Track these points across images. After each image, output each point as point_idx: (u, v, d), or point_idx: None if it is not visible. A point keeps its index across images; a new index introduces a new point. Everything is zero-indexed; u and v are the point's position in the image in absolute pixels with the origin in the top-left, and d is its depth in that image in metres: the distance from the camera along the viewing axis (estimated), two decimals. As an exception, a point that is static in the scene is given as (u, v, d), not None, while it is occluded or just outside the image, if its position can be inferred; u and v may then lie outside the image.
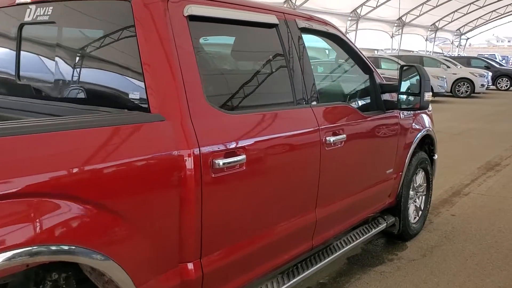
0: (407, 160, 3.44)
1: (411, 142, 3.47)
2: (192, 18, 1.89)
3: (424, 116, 3.81)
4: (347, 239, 3.04)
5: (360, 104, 3.07)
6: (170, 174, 1.63)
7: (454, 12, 28.76)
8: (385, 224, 3.34)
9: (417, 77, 2.90)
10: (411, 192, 3.72)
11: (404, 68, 2.95)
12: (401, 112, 3.28)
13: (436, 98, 16.36)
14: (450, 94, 17.88)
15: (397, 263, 3.37)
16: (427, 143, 4.06)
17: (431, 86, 15.64)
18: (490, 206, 4.66)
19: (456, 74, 17.97)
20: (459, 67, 18.58)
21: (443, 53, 30.67)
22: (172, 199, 1.65)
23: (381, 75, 3.20)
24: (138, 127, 1.59)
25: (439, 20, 29.02)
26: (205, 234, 1.80)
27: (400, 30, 26.45)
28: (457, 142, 8.34)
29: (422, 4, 25.18)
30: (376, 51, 25.32)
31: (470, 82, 17.82)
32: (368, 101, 3.12)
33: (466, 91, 17.90)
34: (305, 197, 2.40)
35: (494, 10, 31.40)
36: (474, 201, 4.83)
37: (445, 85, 16.29)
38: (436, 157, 4.16)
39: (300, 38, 2.49)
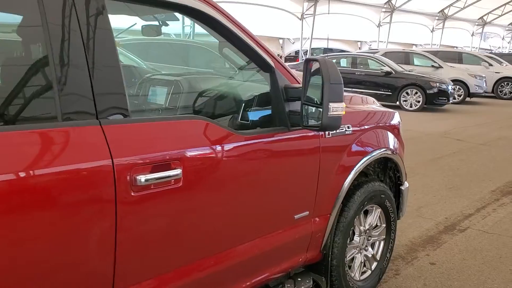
0: (340, 196, 2.39)
1: (348, 171, 2.41)
2: None
3: (381, 132, 2.73)
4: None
5: (246, 117, 2.05)
6: None
7: (505, 4, 26.26)
8: (293, 292, 2.31)
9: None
10: (356, 239, 2.67)
11: (310, 64, 1.89)
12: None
13: (473, 99, 14.74)
14: (492, 95, 16.12)
15: None
16: (391, 168, 2.98)
17: (467, 86, 14.16)
18: (489, 250, 3.48)
19: (499, 73, 16.16)
20: (504, 65, 16.73)
21: (491, 50, 28.22)
22: None
23: (295, 75, 2.16)
24: None
25: (487, 13, 26.62)
26: None
27: (442, 24, 24.41)
28: (479, 154, 7.01)
29: (467, -5, 23.09)
30: (414, 46, 23.49)
31: (515, 82, 15.98)
32: (266, 113, 2.09)
33: (511, 92, 16.07)
34: (77, 281, 1.43)
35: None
36: (469, 241, 3.66)
37: (484, 85, 14.62)
38: (406, 186, 3.06)
39: (98, 12, 1.50)
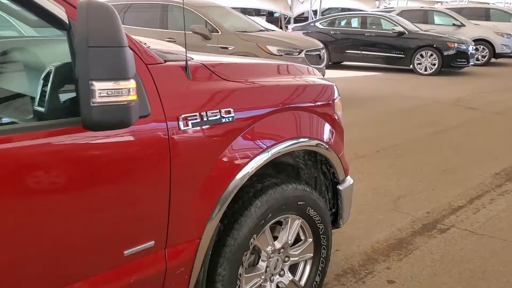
0: (216, 212, 1.64)
1: (229, 176, 1.66)
2: None
3: (298, 115, 1.94)
4: None
5: (43, 103, 1.31)
6: None
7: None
8: None
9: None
10: (261, 263, 1.93)
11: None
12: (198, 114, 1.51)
13: (499, 61, 13.42)
14: (523, 55, 14.66)
15: None
16: (322, 162, 2.20)
17: (493, 46, 12.79)
18: (470, 261, 2.68)
19: (531, 30, 14.60)
20: (538, 22, 15.12)
21: (526, 5, 25.89)
22: None
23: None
24: None
25: (523, -36, 24.29)
26: None
27: (471, -22, 22.35)
28: (490, 126, 6.04)
29: None
30: (440, 4, 21.69)
31: (549, 40, 14.42)
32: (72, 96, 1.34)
33: (544, 52, 14.56)
34: None
35: None
36: (449, 247, 2.86)
37: (512, 44, 13.23)
38: (346, 184, 2.26)
39: None
